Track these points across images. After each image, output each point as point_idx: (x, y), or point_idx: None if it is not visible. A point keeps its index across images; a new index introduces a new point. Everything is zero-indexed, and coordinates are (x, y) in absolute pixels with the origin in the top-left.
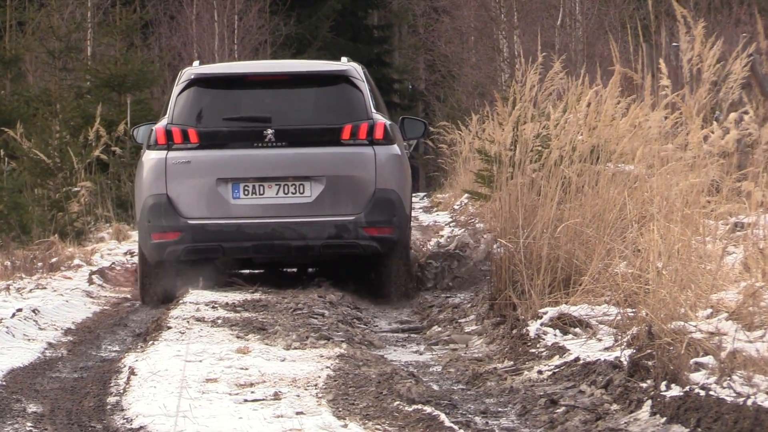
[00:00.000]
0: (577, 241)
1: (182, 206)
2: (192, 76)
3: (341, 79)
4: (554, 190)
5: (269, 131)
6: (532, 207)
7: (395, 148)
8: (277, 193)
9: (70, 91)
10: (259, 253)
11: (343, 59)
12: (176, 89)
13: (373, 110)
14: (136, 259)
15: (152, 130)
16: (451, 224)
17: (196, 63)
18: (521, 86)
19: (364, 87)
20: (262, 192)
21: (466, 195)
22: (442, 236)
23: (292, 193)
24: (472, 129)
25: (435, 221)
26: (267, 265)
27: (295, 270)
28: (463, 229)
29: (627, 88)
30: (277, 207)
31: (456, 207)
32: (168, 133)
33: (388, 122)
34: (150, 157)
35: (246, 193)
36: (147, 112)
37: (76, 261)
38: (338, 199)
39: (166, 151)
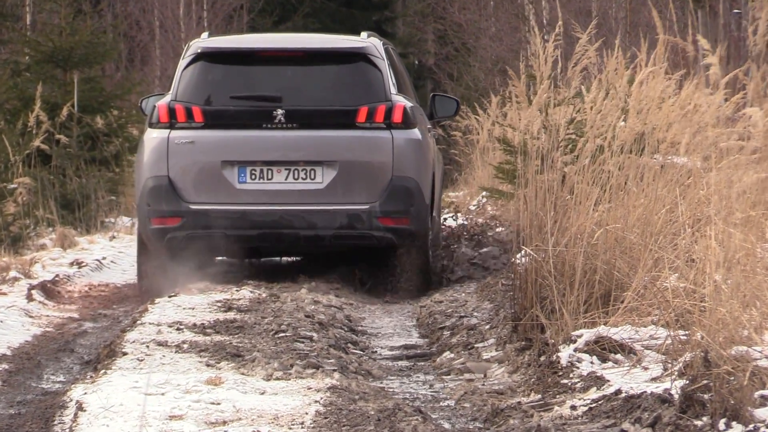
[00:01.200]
0: (618, 249)
1: (184, 190)
2: (198, 50)
3: (359, 56)
4: (591, 187)
5: (279, 112)
6: (564, 208)
7: (415, 132)
8: (286, 179)
9: (6, 68)
10: (266, 242)
11: (363, 34)
12: (182, 63)
13: (393, 91)
14: (84, 271)
15: (155, 106)
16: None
17: (204, 35)
18: (544, 60)
19: (384, 66)
20: (270, 177)
21: (483, 193)
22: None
23: (303, 179)
24: (491, 113)
25: (446, 225)
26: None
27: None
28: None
29: (678, 63)
30: (286, 193)
31: (472, 208)
32: (171, 111)
33: (408, 104)
34: (152, 136)
35: (253, 177)
36: (98, 92)
37: (13, 273)
38: (352, 187)
39: (168, 130)
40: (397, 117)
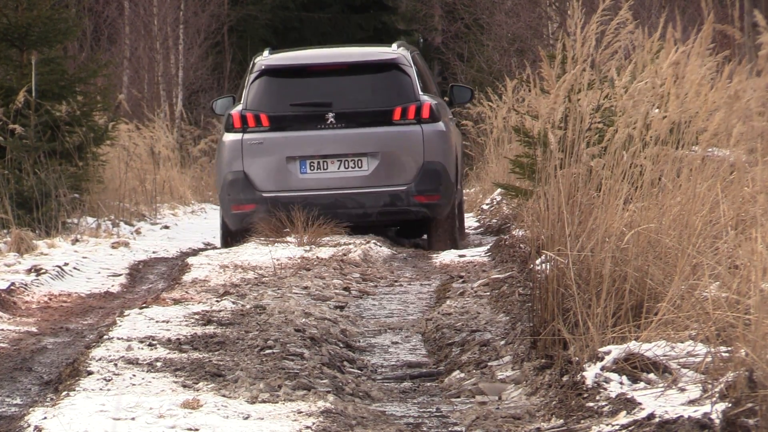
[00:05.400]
0: (651, 254)
1: (257, 181)
2: (263, 67)
3: (392, 66)
4: (620, 183)
5: (330, 114)
6: (590, 207)
7: (440, 125)
8: (338, 168)
9: None
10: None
11: (394, 45)
12: (249, 78)
13: (421, 92)
14: (43, 279)
15: (229, 114)
16: (478, 230)
17: (266, 52)
18: (574, 40)
19: (412, 72)
20: (325, 167)
21: (498, 190)
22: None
23: (352, 168)
24: (506, 99)
25: None
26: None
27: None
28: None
29: (720, 43)
30: (339, 180)
31: (485, 207)
32: (243, 118)
33: (434, 102)
34: (229, 139)
35: (312, 168)
36: (59, 75)
37: None
38: (391, 172)
39: (242, 134)
40: (425, 113)
